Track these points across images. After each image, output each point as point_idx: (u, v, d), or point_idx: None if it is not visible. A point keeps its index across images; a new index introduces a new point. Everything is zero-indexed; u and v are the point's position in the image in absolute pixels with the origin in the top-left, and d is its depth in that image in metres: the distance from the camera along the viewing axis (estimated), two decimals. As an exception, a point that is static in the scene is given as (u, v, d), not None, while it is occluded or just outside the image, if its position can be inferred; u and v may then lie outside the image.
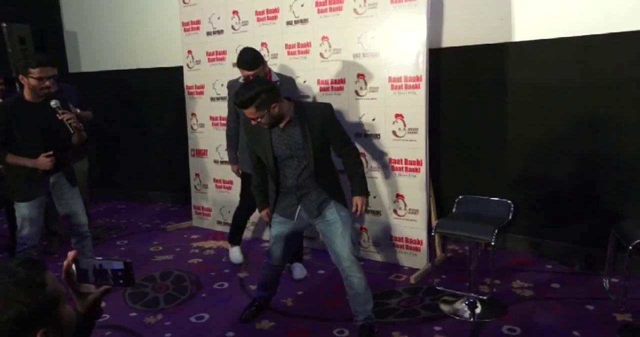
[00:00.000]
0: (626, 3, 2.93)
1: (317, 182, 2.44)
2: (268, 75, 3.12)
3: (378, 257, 3.56)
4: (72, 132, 2.83)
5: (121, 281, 1.20)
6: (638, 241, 2.35)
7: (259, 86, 2.24)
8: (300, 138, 2.38)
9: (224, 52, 4.02)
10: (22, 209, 2.91)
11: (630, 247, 2.36)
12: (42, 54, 3.41)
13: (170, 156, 5.04)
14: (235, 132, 3.35)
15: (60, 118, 2.77)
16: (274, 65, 3.71)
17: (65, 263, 1.20)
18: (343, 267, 2.49)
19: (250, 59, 2.97)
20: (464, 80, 3.59)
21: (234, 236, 3.68)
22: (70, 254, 1.21)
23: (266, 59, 3.75)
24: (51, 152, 2.80)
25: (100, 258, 1.21)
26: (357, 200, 2.54)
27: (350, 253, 2.46)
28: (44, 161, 2.79)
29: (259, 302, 2.87)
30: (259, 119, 2.29)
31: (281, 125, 2.39)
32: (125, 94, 5.22)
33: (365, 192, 2.58)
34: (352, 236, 2.50)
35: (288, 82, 3.23)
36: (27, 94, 2.82)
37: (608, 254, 2.76)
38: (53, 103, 2.79)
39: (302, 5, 3.56)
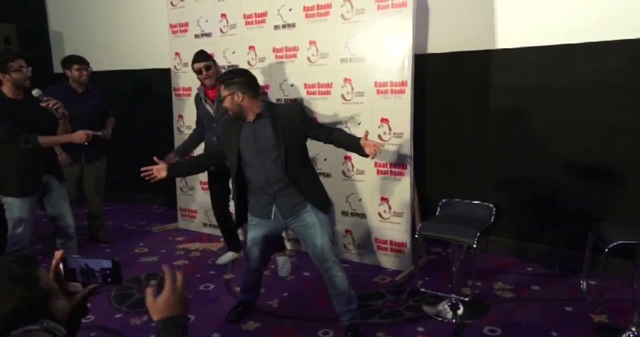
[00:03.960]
0: (602, 14, 3.03)
1: (289, 178, 2.43)
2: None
3: (362, 260, 3.60)
4: (59, 117, 2.82)
5: (109, 280, 1.22)
6: (614, 243, 2.42)
7: (239, 72, 2.47)
8: (270, 131, 2.42)
9: (212, 55, 4.02)
10: (15, 210, 2.89)
11: (607, 250, 2.42)
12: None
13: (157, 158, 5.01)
14: (197, 134, 3.62)
15: (44, 105, 2.76)
16: (261, 69, 3.74)
17: (53, 262, 1.22)
18: (325, 268, 2.52)
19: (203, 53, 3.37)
20: (448, 85, 3.66)
21: (228, 243, 3.70)
22: (58, 253, 1.23)
23: (253, 62, 3.85)
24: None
25: (87, 257, 1.23)
26: (365, 141, 2.38)
27: (331, 254, 2.50)
28: (80, 134, 2.85)
29: (243, 304, 2.89)
30: (224, 99, 2.42)
31: (250, 118, 2.44)
32: (111, 95, 5.18)
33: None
34: (331, 237, 2.53)
35: None
36: (8, 92, 2.81)
37: (585, 256, 2.82)
38: (35, 92, 2.79)
39: (290, 10, 3.59)
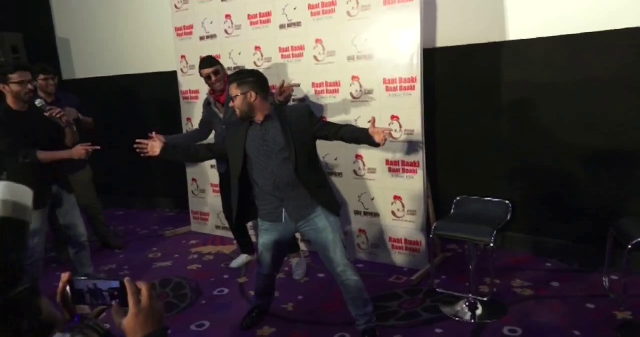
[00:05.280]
0: (617, 1, 2.92)
1: (299, 180, 2.39)
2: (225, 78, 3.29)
3: (377, 259, 3.55)
4: (65, 126, 2.80)
5: (118, 301, 1.18)
6: (637, 240, 2.35)
7: (252, 73, 2.47)
8: (279, 132, 2.38)
9: (217, 57, 3.98)
10: None
11: (630, 246, 2.35)
12: (18, 60, 3.31)
13: (167, 162, 5.01)
14: (196, 133, 3.57)
15: (47, 114, 2.74)
16: (268, 69, 3.70)
17: (60, 285, 1.18)
18: (338, 272, 2.48)
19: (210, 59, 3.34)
20: (458, 80, 3.58)
21: (241, 246, 3.69)
22: (65, 276, 1.19)
23: (260, 63, 3.80)
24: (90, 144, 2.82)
25: (94, 278, 1.20)
26: (373, 129, 2.33)
27: (344, 257, 2.46)
28: (80, 150, 2.77)
29: (258, 309, 2.86)
30: (235, 99, 2.37)
31: (259, 120, 2.40)
32: (119, 99, 5.19)
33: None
34: (343, 240, 2.49)
35: None
36: (12, 104, 2.79)
37: (607, 253, 2.76)
38: (38, 102, 2.77)
39: (295, 9, 3.54)
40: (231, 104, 2.41)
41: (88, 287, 1.15)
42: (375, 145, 2.35)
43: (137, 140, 2.54)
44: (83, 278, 1.17)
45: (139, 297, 1.03)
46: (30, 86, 2.75)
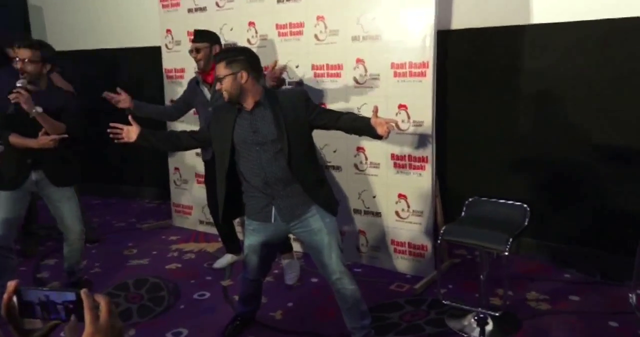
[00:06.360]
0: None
1: (293, 176, 2.17)
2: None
3: (377, 264, 3.31)
4: (29, 111, 2.66)
5: (73, 315, 1.03)
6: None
7: (242, 50, 2.28)
8: (271, 121, 2.17)
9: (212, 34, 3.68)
10: None
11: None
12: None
13: (144, 149, 4.72)
14: (169, 108, 3.49)
15: (8, 96, 2.60)
16: (263, 48, 3.38)
17: (5, 296, 1.03)
18: (333, 280, 2.28)
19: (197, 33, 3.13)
20: (475, 66, 3.37)
21: (226, 245, 3.44)
22: (11, 284, 1.03)
23: (255, 40, 3.54)
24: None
25: (47, 289, 1.05)
26: (376, 120, 2.14)
27: (340, 263, 2.26)
28: (44, 140, 2.67)
29: (242, 317, 2.62)
30: (222, 80, 2.15)
31: (248, 107, 2.19)
32: (96, 76, 4.84)
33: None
34: (339, 243, 2.29)
35: None
36: None
37: (635, 265, 2.49)
38: (19, 82, 2.64)
39: (295, -19, 3.24)
40: (218, 86, 2.17)
41: (39, 298, 1.05)
42: (378, 137, 2.19)
43: (112, 124, 2.31)
44: (33, 288, 1.06)
45: (97, 312, 0.94)
46: (20, 64, 2.65)
